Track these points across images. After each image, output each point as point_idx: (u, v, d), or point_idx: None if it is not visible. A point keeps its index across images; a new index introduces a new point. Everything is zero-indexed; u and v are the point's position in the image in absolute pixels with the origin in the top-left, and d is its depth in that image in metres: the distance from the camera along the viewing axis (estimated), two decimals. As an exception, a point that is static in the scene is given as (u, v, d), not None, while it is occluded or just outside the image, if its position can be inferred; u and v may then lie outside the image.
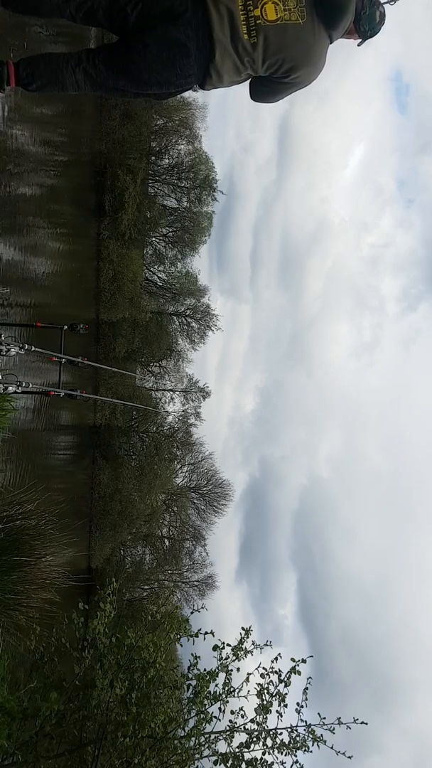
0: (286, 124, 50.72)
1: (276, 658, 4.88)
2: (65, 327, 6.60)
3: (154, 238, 30.44)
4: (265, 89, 2.87)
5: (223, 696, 4.78)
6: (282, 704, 4.74)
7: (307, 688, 4.79)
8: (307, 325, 65.44)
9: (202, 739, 4.72)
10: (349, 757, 4.49)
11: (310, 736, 4.66)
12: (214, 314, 30.98)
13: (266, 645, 5.09)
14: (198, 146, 29.08)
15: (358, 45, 2.92)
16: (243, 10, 2.55)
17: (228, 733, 4.72)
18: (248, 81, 2.86)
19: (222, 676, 4.84)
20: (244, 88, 2.92)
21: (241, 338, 56.54)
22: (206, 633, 5.10)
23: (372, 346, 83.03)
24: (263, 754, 4.67)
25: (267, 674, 4.82)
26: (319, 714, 4.70)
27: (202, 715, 4.68)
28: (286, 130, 53.39)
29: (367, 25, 2.79)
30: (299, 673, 4.80)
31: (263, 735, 4.70)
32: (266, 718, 4.74)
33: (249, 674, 4.82)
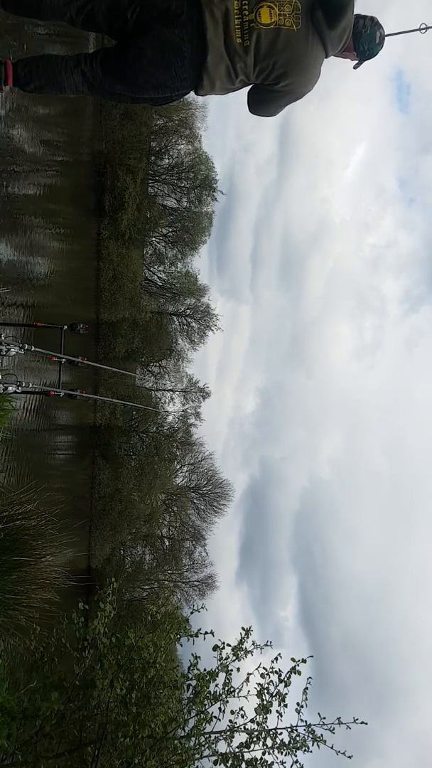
0: (287, 124, 50.61)
1: (276, 658, 4.88)
2: (65, 327, 6.60)
3: (154, 238, 30.45)
4: (259, 97, 2.85)
5: (223, 696, 4.78)
6: (282, 704, 4.74)
7: (307, 688, 4.79)
8: (307, 326, 65.45)
9: (202, 739, 4.72)
10: (349, 757, 4.49)
11: (310, 736, 4.66)
12: (214, 314, 31.05)
13: (266, 645, 5.09)
14: (198, 146, 29.14)
15: (355, 67, 2.89)
16: (238, 14, 2.55)
17: (228, 733, 4.72)
18: (246, 89, 2.85)
19: (222, 676, 4.84)
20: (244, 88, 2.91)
21: (242, 339, 56.57)
22: (206, 633, 5.10)
23: (373, 347, 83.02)
24: (263, 754, 4.67)
25: (267, 674, 4.82)
26: (319, 714, 4.70)
27: (202, 715, 4.68)
28: (287, 130, 53.33)
29: (366, 44, 2.76)
30: (299, 673, 4.79)
31: (263, 735, 4.70)
32: (266, 718, 4.74)
33: (249, 674, 4.83)
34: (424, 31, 2.95)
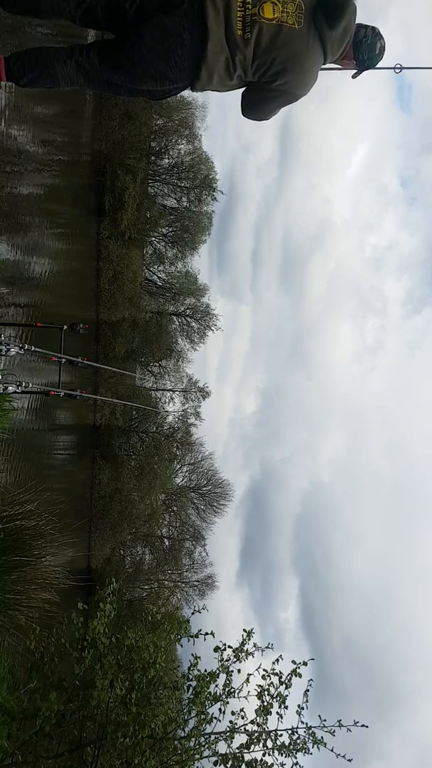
0: (288, 123, 50.47)
1: (277, 660, 4.87)
2: (65, 327, 6.60)
3: (154, 238, 30.43)
4: (254, 97, 2.82)
5: (224, 697, 4.77)
6: (282, 706, 4.74)
7: (308, 690, 4.79)
8: (308, 327, 65.36)
9: (202, 739, 4.72)
10: (349, 760, 4.48)
11: (311, 738, 4.65)
12: (214, 314, 31.03)
13: (267, 648, 5.08)
14: (198, 146, 29.13)
15: (353, 77, 2.87)
16: (241, 7, 2.54)
17: (228, 734, 4.71)
18: (240, 90, 2.82)
19: (222, 677, 4.83)
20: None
21: (242, 340, 56.53)
22: (206, 634, 5.10)
23: (375, 349, 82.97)
24: (263, 755, 4.66)
25: (268, 675, 4.82)
26: (319, 716, 4.70)
27: (202, 716, 4.68)
28: (288, 129, 53.13)
29: (366, 54, 2.74)
30: (300, 675, 4.79)
31: (263, 736, 4.70)
32: (266, 719, 4.73)
33: (249, 675, 4.82)
34: (398, 71, 2.96)
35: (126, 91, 2.80)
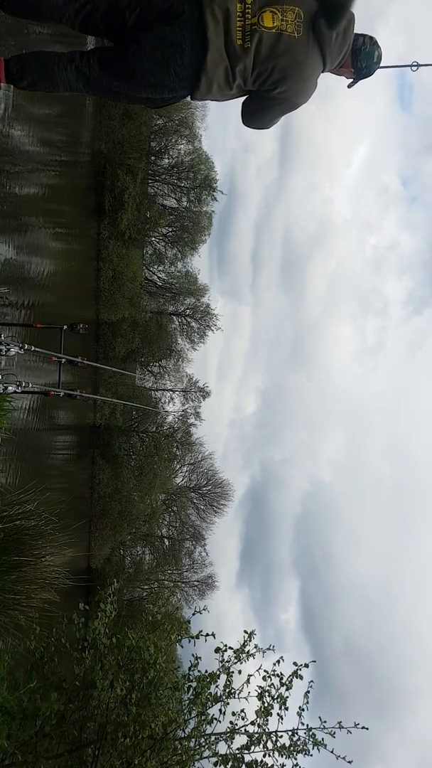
0: (288, 123, 50.24)
1: (278, 661, 4.87)
2: (65, 327, 6.60)
3: (153, 238, 30.43)
4: (254, 106, 2.82)
5: (224, 698, 4.77)
6: (283, 707, 4.74)
7: (308, 692, 4.79)
8: (308, 327, 65.25)
9: (203, 740, 4.72)
10: (350, 762, 4.48)
11: (311, 739, 4.65)
12: (213, 314, 31.02)
13: (268, 649, 5.08)
14: (198, 146, 29.11)
15: (349, 86, 2.88)
16: (240, 17, 2.55)
17: (228, 734, 4.71)
18: (240, 99, 2.83)
19: (223, 678, 4.83)
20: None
21: (242, 340, 56.51)
22: (207, 635, 5.10)
23: (376, 350, 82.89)
24: (263, 756, 4.66)
25: (268, 677, 4.82)
26: (320, 717, 4.70)
27: (202, 717, 4.68)
28: (288, 129, 52.98)
29: (364, 62, 2.76)
30: (301, 677, 4.79)
31: (264, 737, 4.69)
32: (267, 720, 4.73)
33: (250, 676, 4.82)
34: (415, 69, 2.97)
35: (125, 98, 2.81)
